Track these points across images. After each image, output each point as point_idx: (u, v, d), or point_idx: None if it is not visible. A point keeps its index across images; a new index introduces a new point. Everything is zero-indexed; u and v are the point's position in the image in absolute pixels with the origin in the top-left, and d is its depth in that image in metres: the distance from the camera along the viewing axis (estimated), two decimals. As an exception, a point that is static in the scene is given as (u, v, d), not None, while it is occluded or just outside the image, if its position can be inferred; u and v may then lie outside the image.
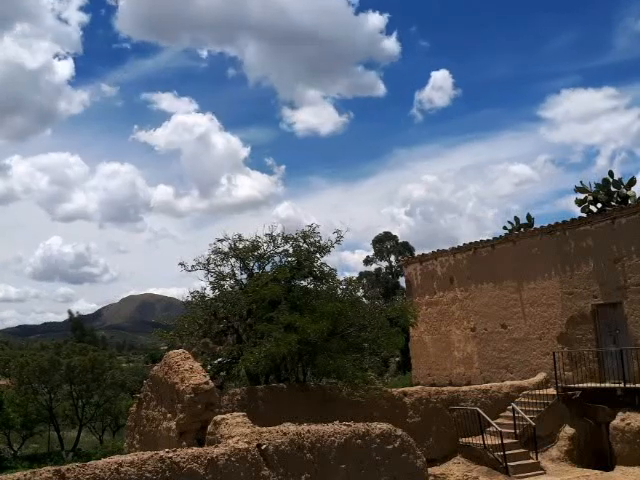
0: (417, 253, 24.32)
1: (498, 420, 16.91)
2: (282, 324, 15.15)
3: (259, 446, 8.35)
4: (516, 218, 25.59)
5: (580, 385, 17.61)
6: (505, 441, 15.56)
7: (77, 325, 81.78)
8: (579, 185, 24.01)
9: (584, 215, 21.71)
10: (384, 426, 9.70)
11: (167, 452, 7.70)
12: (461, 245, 23.12)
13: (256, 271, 17.37)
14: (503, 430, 15.90)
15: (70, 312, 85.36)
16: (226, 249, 17.22)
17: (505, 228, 25.63)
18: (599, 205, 23.15)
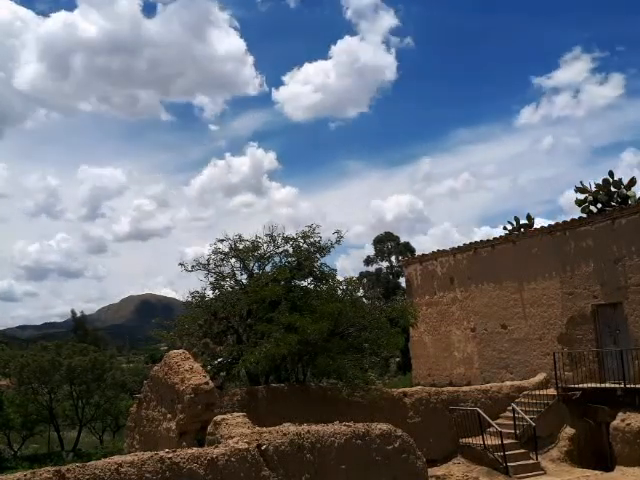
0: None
1: (498, 420, 16.91)
2: (282, 324, 15.15)
3: (259, 446, 8.34)
4: (516, 218, 25.59)
5: (580, 385, 17.60)
6: (505, 441, 15.56)
7: (79, 325, 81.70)
8: (579, 185, 24.01)
9: (584, 215, 21.71)
10: (384, 426, 9.69)
11: (167, 452, 7.69)
12: (461, 245, 23.13)
13: (256, 271, 17.37)
14: (503, 430, 15.90)
15: (73, 312, 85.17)
16: (226, 249, 17.24)
17: (505, 228, 25.61)
18: (599, 205, 23.14)
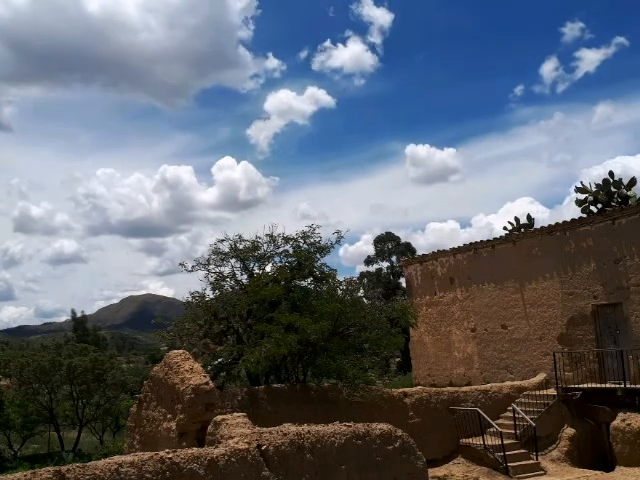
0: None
1: (498, 421, 16.92)
2: (282, 324, 15.15)
3: (259, 447, 8.34)
4: (516, 218, 25.56)
5: (580, 386, 17.62)
6: (505, 442, 15.57)
7: (79, 325, 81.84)
8: (579, 185, 24.00)
9: (584, 215, 21.70)
10: (384, 427, 9.69)
11: (167, 453, 7.69)
12: (461, 245, 23.14)
13: (256, 272, 17.37)
14: (503, 430, 15.91)
15: (73, 311, 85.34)
16: (226, 249, 17.24)
17: (505, 229, 25.60)
18: (599, 205, 23.12)
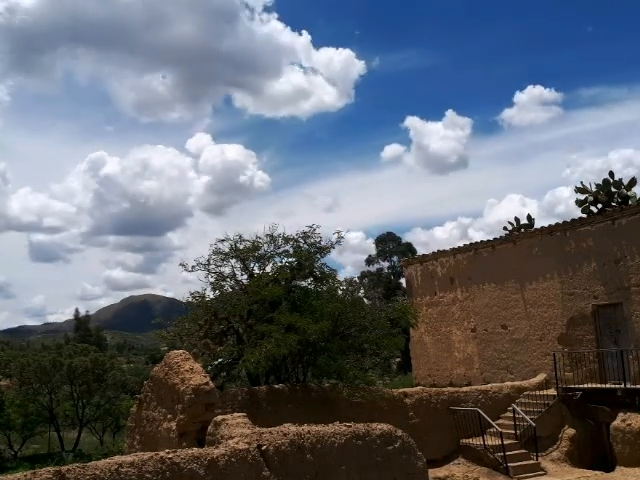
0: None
1: (499, 421, 16.92)
2: (283, 325, 15.15)
3: (260, 447, 8.34)
4: (516, 219, 25.56)
5: (580, 386, 17.62)
6: (505, 442, 15.57)
7: (81, 324, 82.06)
8: (579, 186, 23.99)
9: (584, 215, 21.70)
10: (384, 427, 9.68)
11: (167, 453, 7.69)
12: (461, 246, 23.15)
13: (256, 272, 17.37)
14: (503, 431, 15.91)
15: (77, 311, 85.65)
16: (226, 250, 17.25)
17: (505, 229, 25.60)
18: (599, 206, 23.11)
